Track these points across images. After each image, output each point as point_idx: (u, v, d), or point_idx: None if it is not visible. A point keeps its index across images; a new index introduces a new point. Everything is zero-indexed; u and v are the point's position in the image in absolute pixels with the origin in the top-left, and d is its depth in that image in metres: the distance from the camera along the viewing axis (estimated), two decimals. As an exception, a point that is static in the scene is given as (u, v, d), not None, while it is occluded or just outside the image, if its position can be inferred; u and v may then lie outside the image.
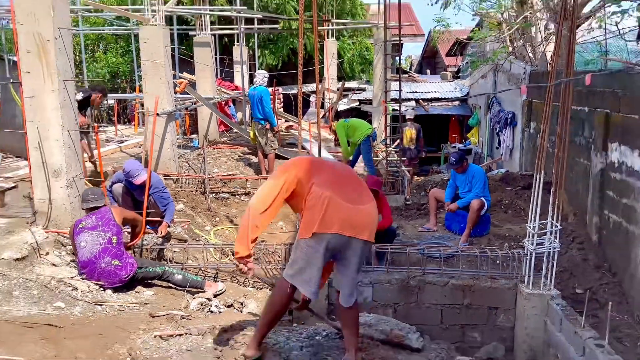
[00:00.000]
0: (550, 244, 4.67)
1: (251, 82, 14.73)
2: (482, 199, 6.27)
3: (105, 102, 13.13)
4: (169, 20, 13.29)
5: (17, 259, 4.60)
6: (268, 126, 8.75)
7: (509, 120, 10.21)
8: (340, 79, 16.97)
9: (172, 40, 11.96)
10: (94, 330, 3.87)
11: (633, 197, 5.24)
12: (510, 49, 11.06)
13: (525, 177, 8.07)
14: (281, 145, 10.37)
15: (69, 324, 3.93)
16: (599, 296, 5.37)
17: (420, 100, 15.84)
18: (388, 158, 9.27)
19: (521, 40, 10.78)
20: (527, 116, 9.28)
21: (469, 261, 5.53)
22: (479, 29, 14.19)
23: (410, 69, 27.75)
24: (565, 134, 4.64)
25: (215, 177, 8.24)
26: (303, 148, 8.66)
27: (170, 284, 5.16)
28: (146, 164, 6.25)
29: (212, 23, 12.56)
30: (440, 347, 4.38)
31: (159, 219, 6.08)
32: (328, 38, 16.12)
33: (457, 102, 15.93)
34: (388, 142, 9.70)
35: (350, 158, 9.38)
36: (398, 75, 9.90)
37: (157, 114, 6.99)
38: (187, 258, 5.75)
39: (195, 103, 10.38)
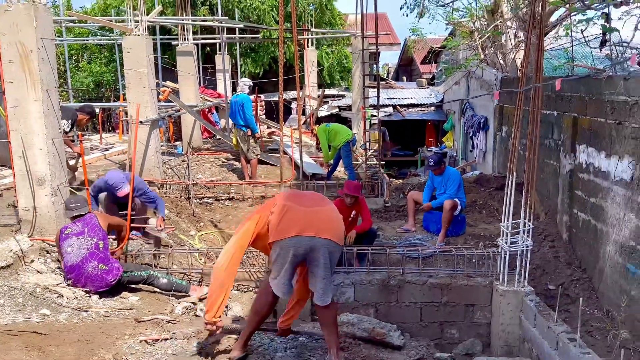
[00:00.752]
0: (523, 242, 4.80)
1: (234, 90, 14.86)
2: (455, 199, 6.42)
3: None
4: (152, 30, 13.35)
5: (2, 267, 4.60)
6: (250, 133, 8.88)
7: (481, 124, 10.46)
8: (320, 86, 17.19)
9: (155, 50, 12.01)
10: (80, 337, 3.88)
11: (600, 196, 5.38)
12: (482, 56, 11.33)
13: (498, 178, 8.27)
14: (264, 150, 10.50)
15: (54, 331, 3.93)
16: (570, 291, 5.49)
17: (398, 106, 16.15)
18: (367, 162, 9.46)
19: (492, 48, 11.05)
20: (498, 120, 9.51)
21: (447, 260, 5.64)
22: (452, 38, 14.51)
23: (387, 76, 28.13)
24: (536, 137, 4.78)
25: (199, 183, 8.31)
26: (285, 153, 8.79)
27: (155, 289, 5.20)
28: (130, 169, 6.29)
29: (194, 33, 12.63)
30: (420, 345, 4.52)
31: (143, 225, 6.15)
32: (308, 47, 16.32)
33: (432, 108, 16.28)
34: (367, 146, 9.90)
35: (331, 162, 9.54)
36: (376, 83, 10.13)
37: (141, 122, 7.05)
38: (172, 263, 5.79)
39: (178, 111, 10.44)
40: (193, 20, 12.20)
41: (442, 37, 17.44)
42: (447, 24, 11.99)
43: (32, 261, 4.93)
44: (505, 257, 4.89)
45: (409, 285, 5.31)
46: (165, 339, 3.89)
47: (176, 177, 8.54)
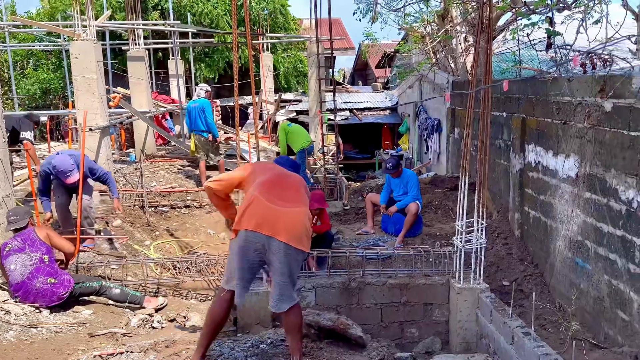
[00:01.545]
0: (477, 240, 4.90)
1: (188, 95, 14.58)
2: (417, 201, 6.57)
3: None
4: (101, 35, 12.97)
5: (-58, 286, 4.39)
6: (211, 137, 8.75)
7: (435, 127, 10.68)
8: (277, 90, 17.14)
9: (105, 55, 11.68)
10: (29, 355, 3.74)
11: (549, 193, 5.57)
12: (434, 60, 11.60)
13: (452, 179, 8.43)
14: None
15: (1, 350, 3.77)
16: (524, 287, 5.65)
17: (354, 110, 16.33)
18: (326, 166, 9.50)
19: (443, 52, 11.32)
20: (451, 123, 9.73)
21: (405, 260, 5.70)
22: (405, 42, 14.78)
23: (343, 80, 28.46)
24: (486, 137, 4.89)
25: (154, 191, 8.11)
26: (242, 158, 8.70)
27: (109, 301, 5.05)
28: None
29: (145, 37, 12.37)
30: (381, 345, 4.54)
31: (93, 236, 5.95)
32: (263, 52, 16.27)
33: (387, 111, 16.54)
34: (325, 150, 9.93)
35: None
36: (332, 87, 10.19)
37: (90, 129, 6.82)
38: (127, 274, 5.62)
39: (130, 117, 10.17)
40: (144, 25, 11.95)
41: (396, 41, 17.77)
42: (399, 29, 12.19)
43: (-25, 278, 4.70)
44: (460, 256, 4.97)
45: (369, 287, 5.34)
46: (121, 353, 3.78)
47: (129, 186, 8.30)
